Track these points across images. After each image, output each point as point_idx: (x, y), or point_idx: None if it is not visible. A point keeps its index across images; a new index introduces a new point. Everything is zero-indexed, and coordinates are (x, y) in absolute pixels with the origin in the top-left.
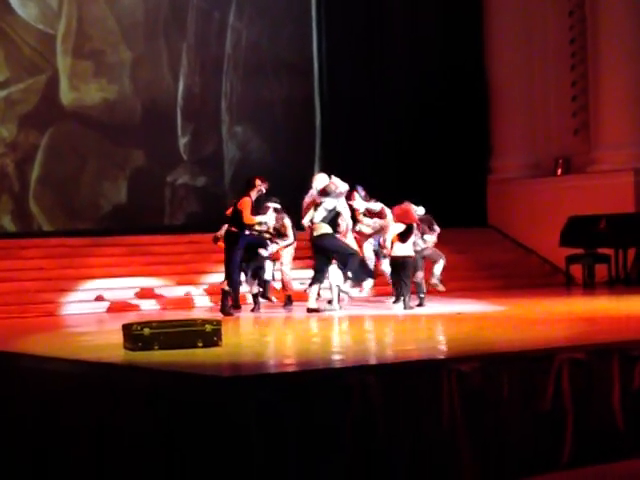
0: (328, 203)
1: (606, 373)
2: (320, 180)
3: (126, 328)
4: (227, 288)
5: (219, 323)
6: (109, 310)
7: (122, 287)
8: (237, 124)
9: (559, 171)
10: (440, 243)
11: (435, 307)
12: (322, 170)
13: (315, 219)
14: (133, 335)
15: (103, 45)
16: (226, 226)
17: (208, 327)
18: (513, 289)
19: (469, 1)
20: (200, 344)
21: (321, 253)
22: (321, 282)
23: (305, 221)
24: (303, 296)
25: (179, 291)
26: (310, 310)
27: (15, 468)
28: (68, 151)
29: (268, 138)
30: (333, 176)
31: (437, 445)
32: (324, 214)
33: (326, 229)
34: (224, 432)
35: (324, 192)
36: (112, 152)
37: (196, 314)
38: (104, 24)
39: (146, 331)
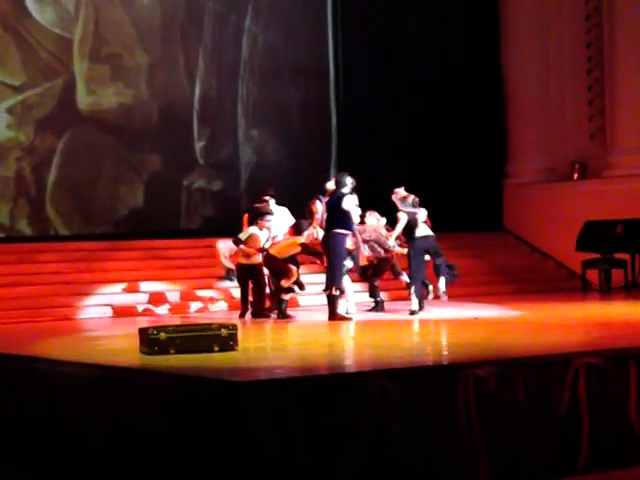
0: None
1: (623, 378)
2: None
3: (142, 332)
4: (336, 292)
5: (235, 327)
6: (125, 314)
7: (138, 291)
8: (253, 128)
9: (575, 176)
10: (456, 247)
11: (451, 312)
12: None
13: (420, 218)
14: (149, 339)
15: (120, 49)
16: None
17: (224, 331)
18: (529, 294)
19: (486, 5)
20: (216, 348)
21: (420, 253)
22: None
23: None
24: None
25: (195, 295)
26: (412, 312)
27: (31, 470)
28: (84, 155)
29: (284, 142)
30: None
31: (453, 449)
32: (424, 218)
33: (429, 230)
34: (237, 437)
35: (410, 202)
36: (128, 156)
37: (213, 318)
38: (121, 28)
39: (162, 335)
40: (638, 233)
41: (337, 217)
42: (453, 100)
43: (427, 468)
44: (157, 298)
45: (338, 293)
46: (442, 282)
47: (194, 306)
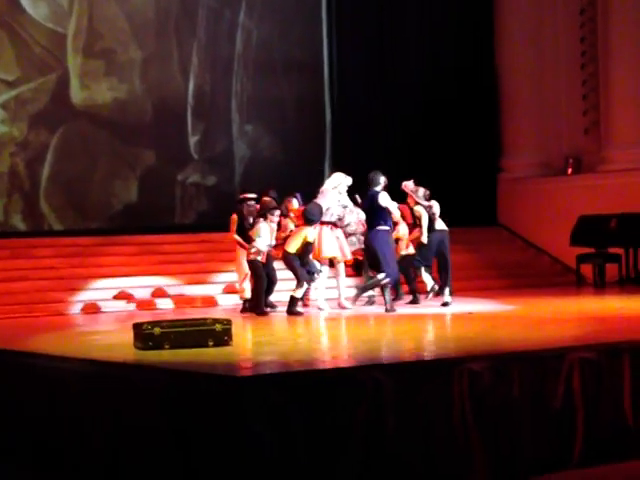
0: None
1: (617, 373)
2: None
3: (137, 327)
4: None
5: (229, 322)
6: (119, 309)
7: (133, 286)
8: (247, 123)
9: (569, 170)
10: (450, 242)
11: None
12: (333, 168)
13: (436, 212)
14: (144, 334)
15: (114, 44)
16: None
17: (218, 326)
18: (523, 288)
19: (480, 0)
20: (211, 343)
21: (436, 245)
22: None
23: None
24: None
25: (190, 290)
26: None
27: (27, 464)
28: (79, 150)
29: (278, 136)
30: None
31: (448, 444)
32: (439, 211)
33: (444, 225)
34: (234, 431)
35: (422, 195)
36: (123, 151)
37: (207, 313)
38: (115, 23)
39: (157, 330)
40: (632, 228)
41: (376, 215)
42: (447, 94)
43: (423, 463)
44: (151, 293)
45: (387, 282)
46: (447, 294)
47: (188, 301)
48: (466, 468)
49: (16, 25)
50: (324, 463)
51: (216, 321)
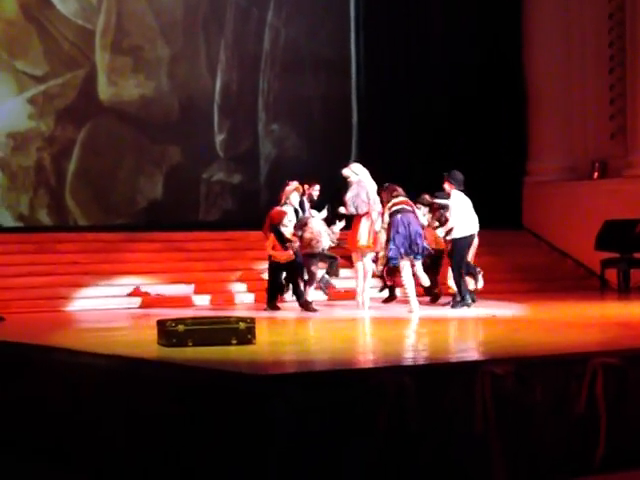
0: None
1: None
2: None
3: (160, 324)
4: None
5: (253, 321)
6: (143, 306)
7: (157, 283)
8: (274, 121)
9: (595, 174)
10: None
11: (469, 309)
12: None
13: None
14: (167, 331)
15: (141, 41)
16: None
17: (242, 325)
18: (547, 292)
19: (508, 3)
20: (234, 341)
21: None
22: None
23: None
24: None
25: (214, 288)
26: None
27: (46, 459)
28: (105, 146)
29: (304, 136)
30: None
31: (469, 447)
32: None
33: None
34: (256, 430)
35: None
36: (149, 148)
37: (231, 311)
38: (143, 20)
39: (180, 328)
40: None
41: None
42: (474, 97)
43: (442, 466)
44: (175, 290)
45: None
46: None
47: (212, 299)
48: (486, 471)
49: (45, 20)
50: (344, 464)
51: (240, 319)
